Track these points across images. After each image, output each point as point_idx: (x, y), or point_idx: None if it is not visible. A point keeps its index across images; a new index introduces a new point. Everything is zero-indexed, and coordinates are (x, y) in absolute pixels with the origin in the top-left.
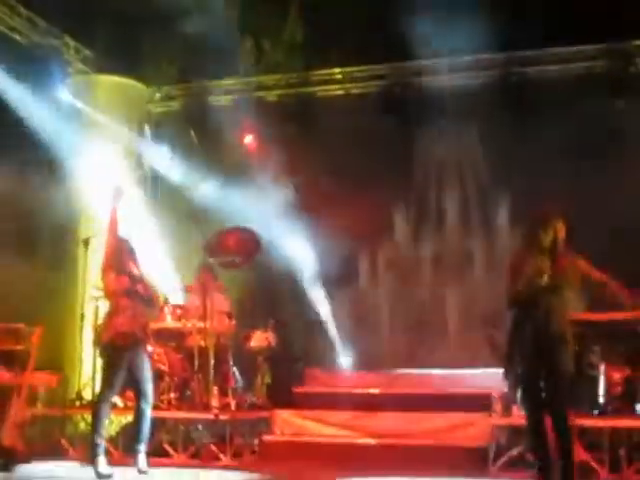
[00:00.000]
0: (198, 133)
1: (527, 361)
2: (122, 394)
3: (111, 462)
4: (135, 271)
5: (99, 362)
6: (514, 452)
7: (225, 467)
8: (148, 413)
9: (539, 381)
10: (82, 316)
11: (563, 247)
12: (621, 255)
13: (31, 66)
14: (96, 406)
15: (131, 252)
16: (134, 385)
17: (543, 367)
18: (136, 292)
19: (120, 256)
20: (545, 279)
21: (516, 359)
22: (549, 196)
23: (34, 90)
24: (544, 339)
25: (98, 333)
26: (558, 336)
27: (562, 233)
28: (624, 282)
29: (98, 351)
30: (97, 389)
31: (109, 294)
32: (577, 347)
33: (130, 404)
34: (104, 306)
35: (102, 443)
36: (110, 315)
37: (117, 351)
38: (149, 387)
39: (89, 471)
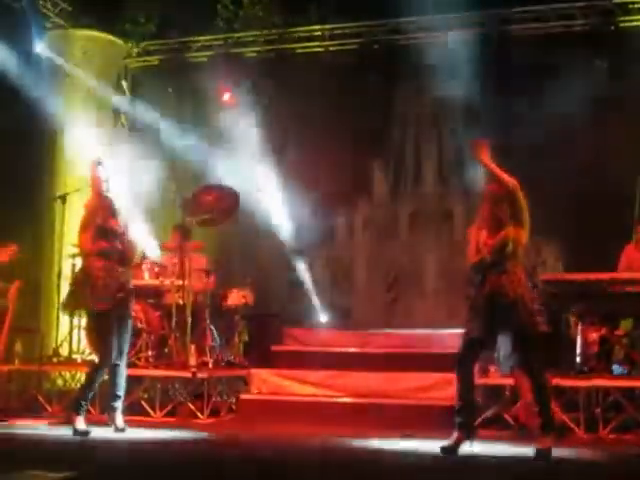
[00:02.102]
0: (176, 89)
1: (480, 319)
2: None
3: (87, 420)
4: (116, 228)
5: (78, 321)
6: (490, 412)
7: (202, 425)
8: (122, 370)
9: (486, 339)
10: (59, 273)
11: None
12: (595, 220)
13: (7, 19)
14: (93, 371)
15: (113, 210)
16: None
17: (498, 327)
18: (112, 253)
19: (101, 214)
20: (509, 249)
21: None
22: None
23: (10, 43)
24: (499, 299)
25: (71, 296)
26: (513, 297)
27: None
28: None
29: (84, 316)
30: (96, 356)
31: (84, 254)
32: (554, 307)
33: None
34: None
35: (86, 405)
36: (85, 277)
37: (101, 316)
38: (125, 346)
39: (66, 428)
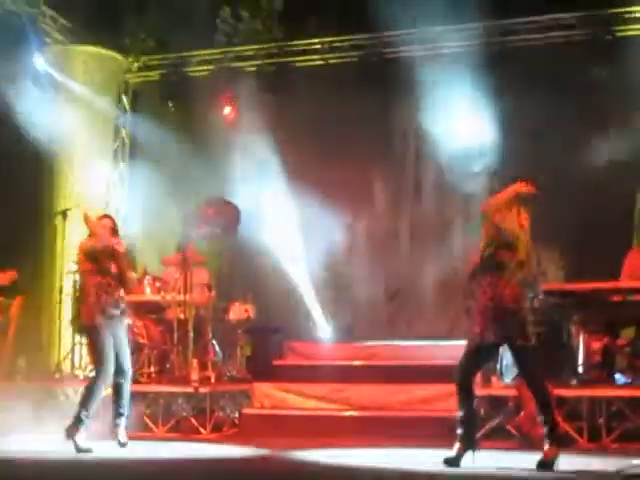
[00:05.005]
0: (176, 104)
1: (480, 329)
2: None
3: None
4: (117, 249)
5: (80, 337)
6: (493, 423)
7: (205, 440)
8: (127, 387)
9: (486, 350)
10: (61, 288)
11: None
12: (595, 229)
13: (7, 35)
14: (90, 386)
15: (114, 230)
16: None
17: (496, 338)
18: (108, 270)
19: (101, 237)
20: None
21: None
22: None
23: (10, 60)
24: (495, 311)
25: (75, 315)
26: (508, 308)
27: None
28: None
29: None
30: (92, 368)
31: (80, 272)
32: (556, 317)
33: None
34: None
35: (87, 420)
36: (81, 294)
37: (93, 331)
38: (127, 362)
39: (68, 445)
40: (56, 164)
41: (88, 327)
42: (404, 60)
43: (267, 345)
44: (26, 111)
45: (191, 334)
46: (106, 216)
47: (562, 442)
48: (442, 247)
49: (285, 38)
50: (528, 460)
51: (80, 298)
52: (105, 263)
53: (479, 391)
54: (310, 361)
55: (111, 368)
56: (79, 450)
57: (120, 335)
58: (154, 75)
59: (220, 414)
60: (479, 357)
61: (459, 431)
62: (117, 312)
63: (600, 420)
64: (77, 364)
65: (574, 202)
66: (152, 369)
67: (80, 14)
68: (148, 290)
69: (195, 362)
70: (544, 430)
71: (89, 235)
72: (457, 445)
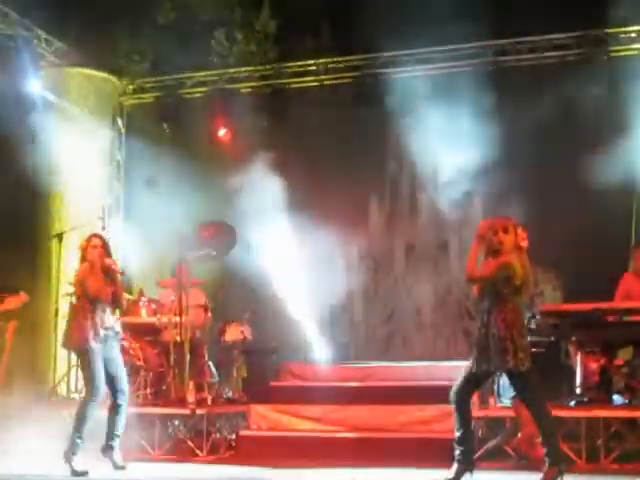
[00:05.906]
0: (171, 126)
1: (479, 353)
2: None
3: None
4: (113, 268)
5: (76, 360)
6: (491, 444)
7: (202, 462)
8: (125, 409)
9: (484, 373)
10: (56, 311)
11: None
12: (592, 249)
13: (2, 58)
14: (82, 408)
15: (107, 249)
16: (109, 381)
17: (492, 362)
18: (101, 294)
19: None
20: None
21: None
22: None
23: (5, 83)
24: (491, 337)
25: (66, 335)
26: (501, 335)
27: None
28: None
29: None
30: (83, 390)
31: (75, 295)
32: (554, 337)
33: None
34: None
35: (81, 443)
36: (76, 316)
37: (86, 352)
38: (124, 383)
39: (64, 469)
40: (51, 186)
41: (80, 349)
42: (399, 81)
43: (264, 366)
44: (21, 134)
45: (187, 356)
46: (95, 235)
47: (563, 463)
48: (439, 268)
49: (280, 60)
50: None
51: (72, 320)
52: (95, 290)
53: (476, 412)
54: (307, 382)
55: (102, 390)
56: (75, 473)
57: (115, 357)
58: (149, 97)
59: (217, 436)
60: (475, 380)
61: (457, 452)
62: (111, 334)
63: (598, 441)
64: (73, 387)
65: (571, 223)
66: (148, 391)
67: (75, 37)
68: (144, 312)
69: (191, 384)
70: (544, 451)
71: (81, 261)
72: (455, 466)
